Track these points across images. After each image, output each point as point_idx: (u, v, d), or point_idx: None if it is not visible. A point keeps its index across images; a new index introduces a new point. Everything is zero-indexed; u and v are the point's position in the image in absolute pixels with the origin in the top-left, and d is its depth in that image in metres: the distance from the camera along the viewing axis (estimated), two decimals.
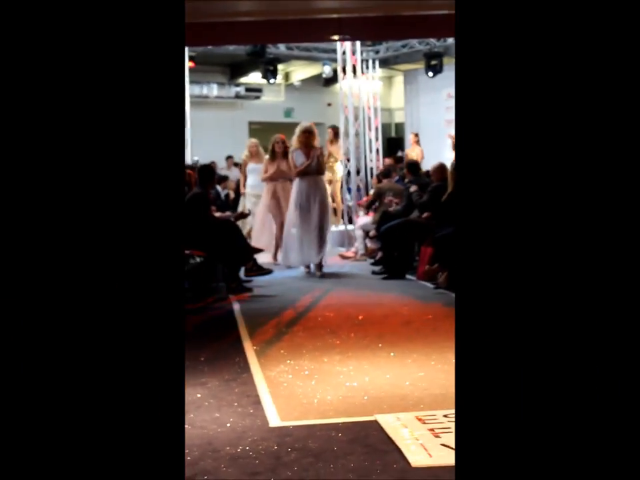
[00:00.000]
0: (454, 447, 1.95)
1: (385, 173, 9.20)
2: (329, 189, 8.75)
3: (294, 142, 7.70)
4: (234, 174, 12.22)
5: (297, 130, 7.71)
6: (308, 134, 7.63)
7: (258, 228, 8.59)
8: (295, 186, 7.61)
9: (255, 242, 8.16)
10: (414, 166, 8.69)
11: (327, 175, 9.22)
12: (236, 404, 3.42)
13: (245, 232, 8.59)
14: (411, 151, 11.73)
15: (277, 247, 8.26)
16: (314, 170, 7.57)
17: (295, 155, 7.63)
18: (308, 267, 7.67)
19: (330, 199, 8.23)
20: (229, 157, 13.64)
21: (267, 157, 8.46)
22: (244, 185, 9.51)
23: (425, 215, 7.23)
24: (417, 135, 12.03)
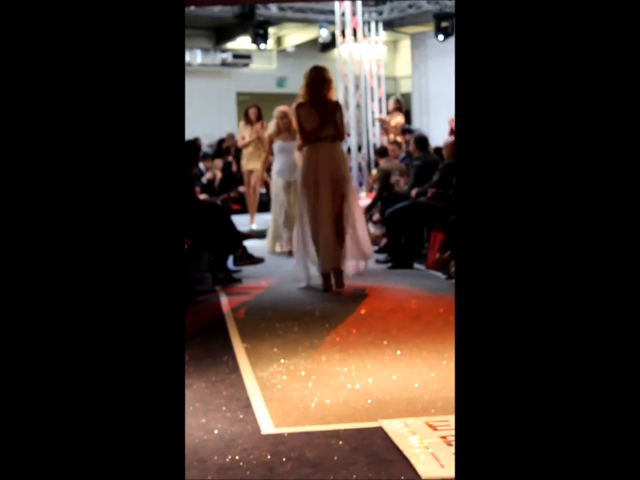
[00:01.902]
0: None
1: (381, 152, 9.14)
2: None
3: (301, 94, 6.24)
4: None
5: (304, 77, 6.15)
6: (321, 83, 6.03)
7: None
8: (303, 157, 6.23)
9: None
10: (423, 141, 8.67)
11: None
12: (224, 408, 3.43)
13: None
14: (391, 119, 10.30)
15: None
16: (329, 134, 6.08)
17: (302, 112, 6.09)
18: (327, 280, 6.14)
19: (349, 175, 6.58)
20: (223, 140, 13.14)
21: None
22: (264, 167, 8.41)
23: (431, 192, 7.20)
24: (398, 101, 10.52)
